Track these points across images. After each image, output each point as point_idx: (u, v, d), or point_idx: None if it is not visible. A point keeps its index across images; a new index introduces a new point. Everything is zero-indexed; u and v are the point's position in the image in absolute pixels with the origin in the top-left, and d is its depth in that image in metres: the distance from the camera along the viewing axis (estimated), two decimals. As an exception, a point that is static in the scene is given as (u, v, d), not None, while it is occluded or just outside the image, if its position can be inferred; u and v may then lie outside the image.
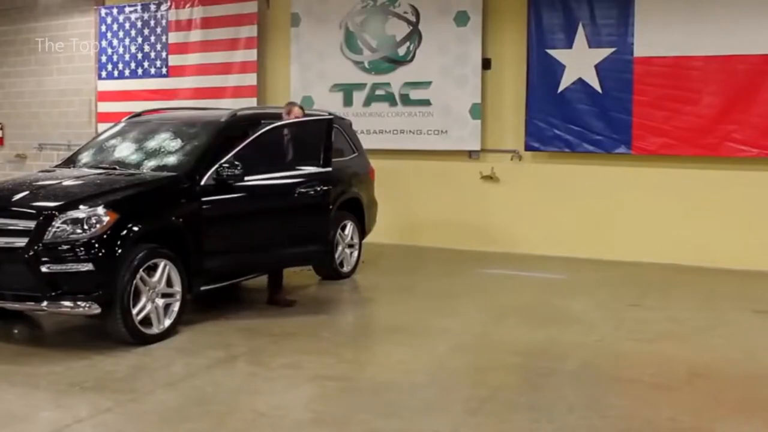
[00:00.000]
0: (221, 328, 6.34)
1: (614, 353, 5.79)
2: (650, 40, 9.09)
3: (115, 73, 12.54)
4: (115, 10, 12.50)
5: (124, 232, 5.68)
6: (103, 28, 12.60)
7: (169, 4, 12.00)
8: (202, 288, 6.42)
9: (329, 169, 6.95)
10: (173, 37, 11.98)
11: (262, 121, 7.41)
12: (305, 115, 7.57)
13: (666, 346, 5.99)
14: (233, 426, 4.37)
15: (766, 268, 8.71)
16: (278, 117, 8.08)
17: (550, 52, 9.61)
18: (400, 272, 8.88)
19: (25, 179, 6.77)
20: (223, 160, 6.54)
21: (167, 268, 5.96)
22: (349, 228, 8.36)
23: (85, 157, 7.22)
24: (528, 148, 9.88)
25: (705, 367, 5.47)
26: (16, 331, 6.42)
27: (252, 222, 7.02)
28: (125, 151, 7.17)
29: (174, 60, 11.99)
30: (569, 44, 9.51)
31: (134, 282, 5.68)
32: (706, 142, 8.99)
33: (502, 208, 10.09)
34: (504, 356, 5.69)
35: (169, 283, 5.99)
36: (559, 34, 9.57)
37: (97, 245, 5.53)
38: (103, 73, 12.64)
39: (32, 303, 5.64)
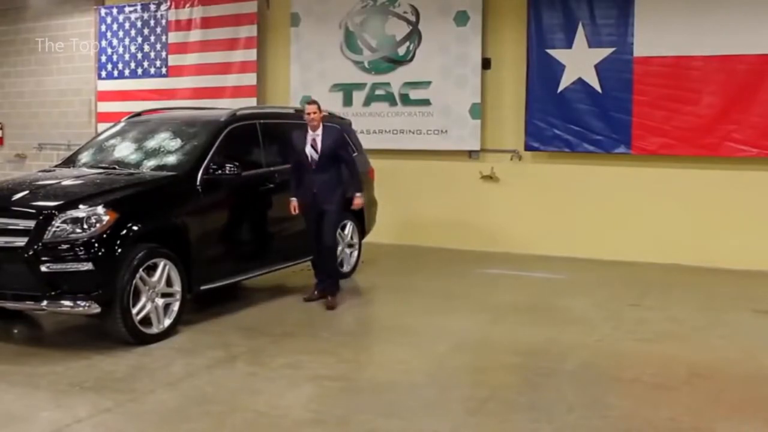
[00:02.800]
0: (221, 328, 6.34)
1: (614, 353, 5.79)
2: (650, 40, 9.09)
3: (115, 73, 12.54)
4: (114, 10, 12.50)
5: (124, 231, 5.69)
6: (103, 28, 12.60)
7: (168, 4, 12.00)
8: (202, 288, 6.42)
9: None
10: (173, 37, 11.99)
11: (261, 121, 7.43)
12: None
13: (666, 346, 5.99)
14: (233, 426, 4.37)
15: (766, 268, 8.71)
16: (278, 117, 8.11)
17: (550, 52, 9.60)
18: (399, 272, 8.88)
19: (25, 179, 6.77)
20: (222, 160, 6.56)
21: (167, 267, 5.96)
22: (349, 228, 8.37)
23: (85, 157, 7.23)
24: (528, 148, 9.88)
25: (705, 367, 5.47)
26: (16, 331, 6.42)
27: (252, 220, 7.05)
28: (125, 150, 7.17)
29: (173, 60, 11.99)
30: (569, 44, 9.51)
31: (134, 282, 5.68)
32: (706, 142, 8.99)
33: (502, 208, 10.09)
34: (504, 356, 5.69)
35: (168, 283, 6.00)
36: (559, 34, 9.57)
37: (96, 245, 5.53)
38: (103, 73, 12.64)
39: (32, 302, 5.63)
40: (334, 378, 5.16)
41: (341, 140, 7.11)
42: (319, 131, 6.91)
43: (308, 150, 6.89)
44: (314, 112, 6.90)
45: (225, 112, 7.43)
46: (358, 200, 7.20)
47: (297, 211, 7.02)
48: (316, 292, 7.27)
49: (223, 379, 5.14)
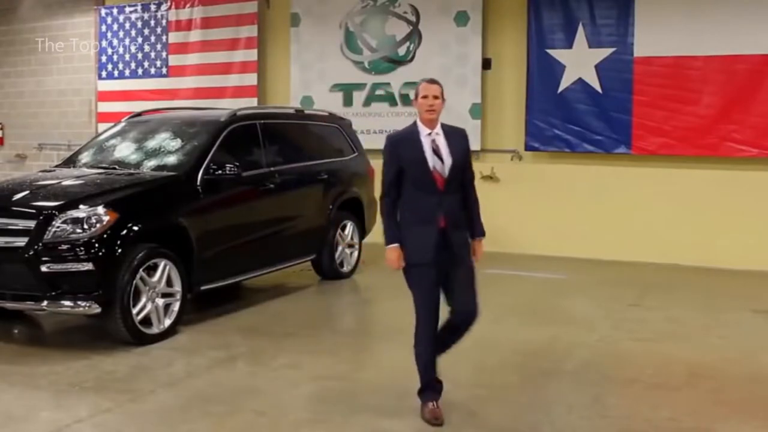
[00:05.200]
0: (221, 328, 6.34)
1: (614, 353, 5.79)
2: (650, 40, 9.09)
3: (115, 73, 12.53)
4: (115, 10, 12.50)
5: (124, 231, 5.69)
6: (103, 28, 12.60)
7: (169, 4, 12.00)
8: (203, 287, 6.42)
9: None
10: (173, 37, 11.98)
11: (262, 121, 7.44)
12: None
13: (666, 346, 5.98)
14: (233, 426, 4.37)
15: (766, 268, 8.70)
16: (278, 117, 8.11)
17: (550, 52, 9.61)
18: (399, 272, 8.83)
19: (25, 179, 6.78)
20: (222, 160, 6.56)
21: (167, 267, 5.96)
22: (349, 228, 8.37)
23: (85, 157, 7.23)
24: (528, 148, 9.88)
25: (705, 367, 5.47)
26: (16, 331, 6.42)
27: (252, 220, 7.05)
28: (125, 150, 7.17)
29: (174, 60, 11.99)
30: (569, 44, 9.51)
31: (134, 282, 5.68)
32: (706, 142, 8.99)
33: (502, 208, 10.04)
34: (504, 356, 5.69)
35: (169, 283, 6.00)
36: (559, 34, 9.57)
37: (97, 245, 5.53)
38: (103, 73, 12.63)
39: (32, 303, 5.64)
40: (334, 378, 5.16)
41: (469, 145, 4.58)
42: (439, 129, 4.44)
43: (431, 159, 4.35)
44: (435, 97, 4.36)
45: (225, 112, 7.43)
46: (481, 249, 4.64)
47: (402, 265, 4.60)
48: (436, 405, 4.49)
49: (223, 379, 5.14)
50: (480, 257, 4.61)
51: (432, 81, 4.42)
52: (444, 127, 4.44)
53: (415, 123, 4.44)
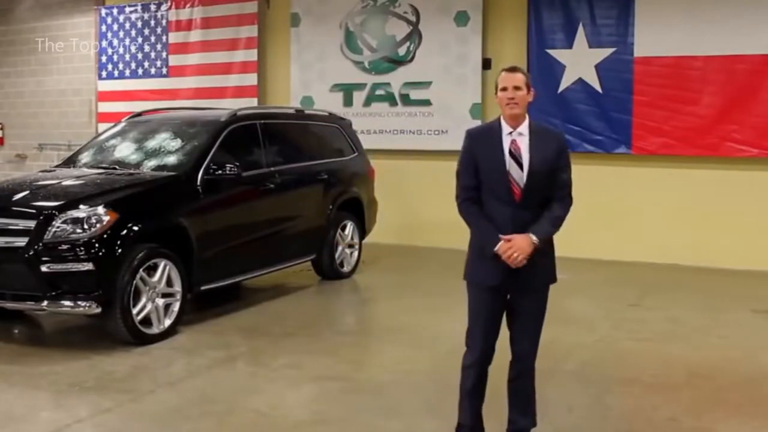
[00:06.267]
0: (221, 328, 6.34)
1: (614, 353, 5.79)
2: (650, 40, 9.09)
3: (116, 73, 12.53)
4: (115, 10, 12.50)
5: (124, 231, 5.69)
6: (103, 28, 12.60)
7: (169, 4, 12.00)
8: (203, 288, 6.42)
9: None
10: (173, 37, 11.98)
11: (262, 121, 7.45)
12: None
13: (666, 346, 5.98)
14: (233, 426, 4.37)
15: (766, 268, 8.70)
16: (279, 117, 8.12)
17: (550, 52, 9.60)
18: (400, 272, 8.88)
19: (25, 179, 6.78)
20: (222, 160, 6.57)
21: (167, 267, 5.96)
22: (349, 228, 8.38)
23: (85, 157, 7.23)
24: (528, 148, 9.86)
25: (705, 367, 5.47)
26: (16, 331, 6.43)
27: (253, 221, 7.05)
28: (125, 150, 7.18)
29: (174, 60, 11.99)
30: (569, 44, 9.51)
31: (134, 282, 5.69)
32: (706, 142, 8.98)
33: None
34: (504, 356, 5.65)
35: (169, 283, 6.00)
36: (559, 34, 9.56)
37: (97, 245, 5.54)
38: (104, 73, 12.63)
39: (32, 303, 5.64)
40: (334, 378, 5.16)
41: (566, 152, 3.85)
42: (524, 128, 3.73)
43: (508, 161, 3.71)
44: (517, 88, 3.68)
45: (225, 112, 7.43)
46: (521, 244, 3.82)
47: (519, 260, 3.86)
48: None
49: (223, 379, 5.15)
50: (508, 251, 3.74)
51: (513, 69, 3.73)
52: (533, 126, 3.74)
53: (499, 118, 3.78)
